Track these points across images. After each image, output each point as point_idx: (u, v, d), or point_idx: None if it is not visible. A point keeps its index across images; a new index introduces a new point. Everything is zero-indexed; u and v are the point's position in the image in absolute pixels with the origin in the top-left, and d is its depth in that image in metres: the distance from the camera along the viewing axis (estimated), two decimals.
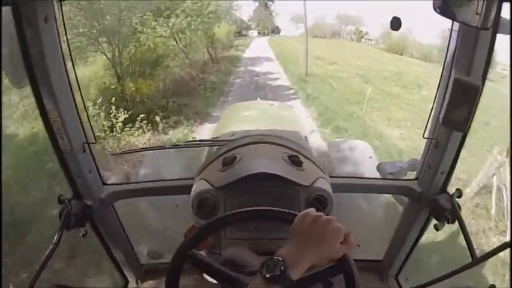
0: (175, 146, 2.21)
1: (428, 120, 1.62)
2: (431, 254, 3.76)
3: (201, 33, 13.54)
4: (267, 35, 24.83)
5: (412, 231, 1.91)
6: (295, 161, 1.68)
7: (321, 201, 1.59)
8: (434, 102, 1.58)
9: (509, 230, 5.02)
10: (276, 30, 25.10)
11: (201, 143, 2.46)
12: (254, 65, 17.69)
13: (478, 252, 1.47)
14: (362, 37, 23.53)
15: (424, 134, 1.65)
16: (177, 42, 12.62)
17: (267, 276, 0.88)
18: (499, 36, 1.29)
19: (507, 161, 5.38)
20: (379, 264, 2.23)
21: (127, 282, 2.26)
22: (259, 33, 24.89)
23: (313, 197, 1.59)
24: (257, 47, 22.18)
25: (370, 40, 23.09)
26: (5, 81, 1.37)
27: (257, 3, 24.42)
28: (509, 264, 3.20)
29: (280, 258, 0.90)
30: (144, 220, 2.33)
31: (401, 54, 19.42)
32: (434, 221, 1.76)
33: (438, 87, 1.54)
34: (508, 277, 3.59)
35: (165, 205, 2.14)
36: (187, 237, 1.18)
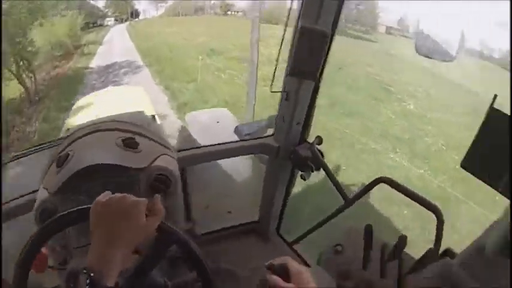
0: (15, 157, 1.92)
1: (274, 73, 1.60)
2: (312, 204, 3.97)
3: None
4: (126, 20, 21.45)
5: (279, 186, 1.95)
6: (129, 144, 1.54)
7: (162, 181, 1.48)
8: (278, 55, 1.56)
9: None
10: (134, 14, 21.76)
11: (38, 147, 2.16)
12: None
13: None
14: (228, 10, 22.34)
15: (271, 88, 1.61)
16: None
17: None
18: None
19: None
20: (257, 225, 2.25)
21: None
22: (116, 20, 21.26)
23: (153, 178, 1.47)
24: (113, 40, 17.02)
25: (237, 12, 22.11)
26: None
27: None
28: None
29: (85, 270, 0.75)
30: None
31: (277, 24, 18.64)
32: (301, 172, 1.78)
33: (283, 38, 1.52)
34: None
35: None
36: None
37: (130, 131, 1.63)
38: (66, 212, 1.02)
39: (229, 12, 22.06)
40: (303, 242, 2.05)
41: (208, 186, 2.06)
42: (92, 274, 0.74)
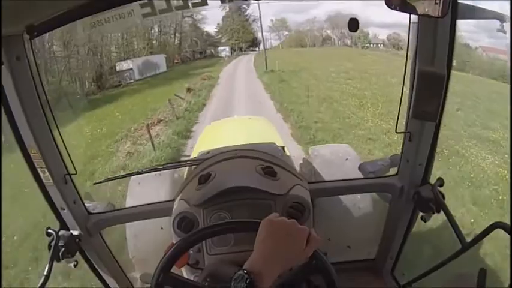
0: (154, 169, 2.20)
1: (398, 114, 1.64)
2: (427, 245, 3.76)
3: None
4: (244, 50, 18.50)
5: (399, 226, 1.93)
6: (269, 172, 1.71)
7: (297, 209, 1.61)
8: (401, 96, 1.59)
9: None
10: (255, 43, 18.60)
11: (179, 164, 2.56)
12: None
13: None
14: (369, 42, 19.04)
15: (396, 128, 1.66)
16: None
17: None
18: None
19: None
20: (372, 263, 2.26)
21: None
22: (233, 50, 18.22)
23: (289, 205, 1.61)
24: (233, 97, 13.52)
25: (377, 44, 18.96)
26: None
27: (227, 8, 17.95)
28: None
29: (245, 271, 0.90)
30: (134, 245, 2.30)
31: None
32: (421, 213, 1.77)
33: (404, 81, 1.55)
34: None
35: (152, 228, 2.13)
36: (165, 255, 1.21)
37: (268, 161, 1.81)
38: (236, 220, 1.25)
39: (368, 45, 18.77)
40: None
41: (330, 218, 2.13)
42: (252, 276, 0.89)
